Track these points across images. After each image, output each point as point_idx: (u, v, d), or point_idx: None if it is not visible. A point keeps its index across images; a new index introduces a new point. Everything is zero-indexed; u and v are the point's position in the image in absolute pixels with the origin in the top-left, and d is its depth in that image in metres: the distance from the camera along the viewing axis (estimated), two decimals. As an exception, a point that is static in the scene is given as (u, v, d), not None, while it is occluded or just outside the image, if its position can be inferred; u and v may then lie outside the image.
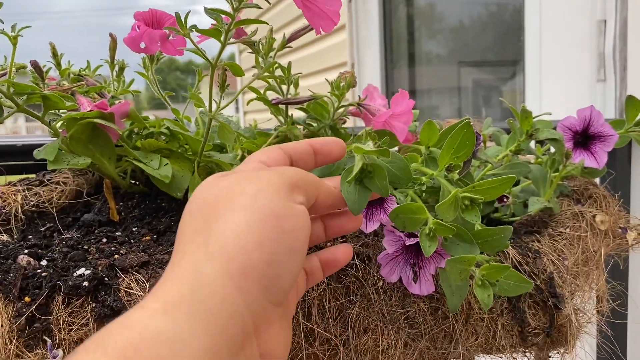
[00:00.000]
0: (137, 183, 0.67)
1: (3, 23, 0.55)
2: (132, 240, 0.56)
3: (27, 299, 0.46)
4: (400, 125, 0.64)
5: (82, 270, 0.48)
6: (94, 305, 0.47)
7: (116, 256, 0.51)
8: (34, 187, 0.70)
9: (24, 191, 0.69)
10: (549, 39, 1.51)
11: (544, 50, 1.52)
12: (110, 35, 0.63)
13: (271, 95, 0.67)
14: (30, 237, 0.62)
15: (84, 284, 0.47)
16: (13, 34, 0.52)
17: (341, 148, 0.46)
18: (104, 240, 0.55)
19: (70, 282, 0.47)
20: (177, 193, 0.59)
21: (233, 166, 0.61)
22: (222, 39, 0.53)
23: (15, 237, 0.64)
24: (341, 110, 0.66)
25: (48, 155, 0.51)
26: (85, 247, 0.53)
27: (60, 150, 0.56)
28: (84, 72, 0.66)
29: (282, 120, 0.68)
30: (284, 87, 0.66)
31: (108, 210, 0.62)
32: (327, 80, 0.68)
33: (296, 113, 0.71)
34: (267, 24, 0.53)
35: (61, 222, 0.66)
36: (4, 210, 0.68)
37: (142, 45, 0.58)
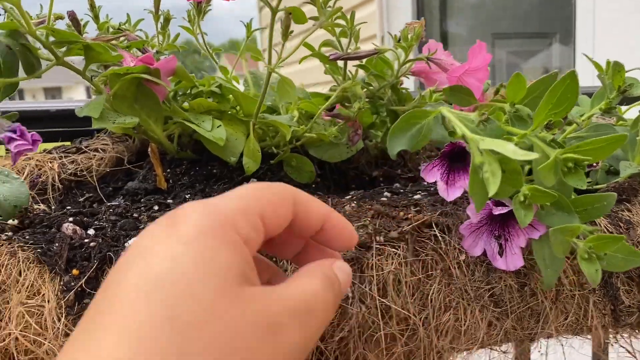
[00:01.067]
0: (183, 149, 0.61)
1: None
2: (185, 209, 0.50)
3: (75, 271, 0.41)
4: (475, 83, 0.58)
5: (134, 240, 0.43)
6: (148, 278, 0.41)
7: (170, 225, 0.45)
8: (70, 155, 0.65)
9: (60, 159, 0.64)
10: (603, 4, 1.41)
11: (597, 18, 1.41)
12: (155, -19, 0.58)
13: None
14: (69, 207, 0.57)
15: (137, 255, 0.41)
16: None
17: (349, 244, 0.34)
18: (156, 207, 0.50)
19: (121, 253, 0.41)
20: (230, 158, 0.53)
21: (291, 128, 0.55)
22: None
23: (52, 207, 0.59)
24: (408, 64, 0.59)
25: (92, 112, 0.45)
26: (135, 215, 0.47)
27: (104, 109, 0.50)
28: (124, 27, 0.60)
29: (340, 80, 0.62)
30: (344, 42, 0.59)
31: (154, 178, 0.56)
32: (389, 33, 0.62)
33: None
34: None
35: (102, 191, 0.61)
36: (40, 179, 0.63)
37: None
